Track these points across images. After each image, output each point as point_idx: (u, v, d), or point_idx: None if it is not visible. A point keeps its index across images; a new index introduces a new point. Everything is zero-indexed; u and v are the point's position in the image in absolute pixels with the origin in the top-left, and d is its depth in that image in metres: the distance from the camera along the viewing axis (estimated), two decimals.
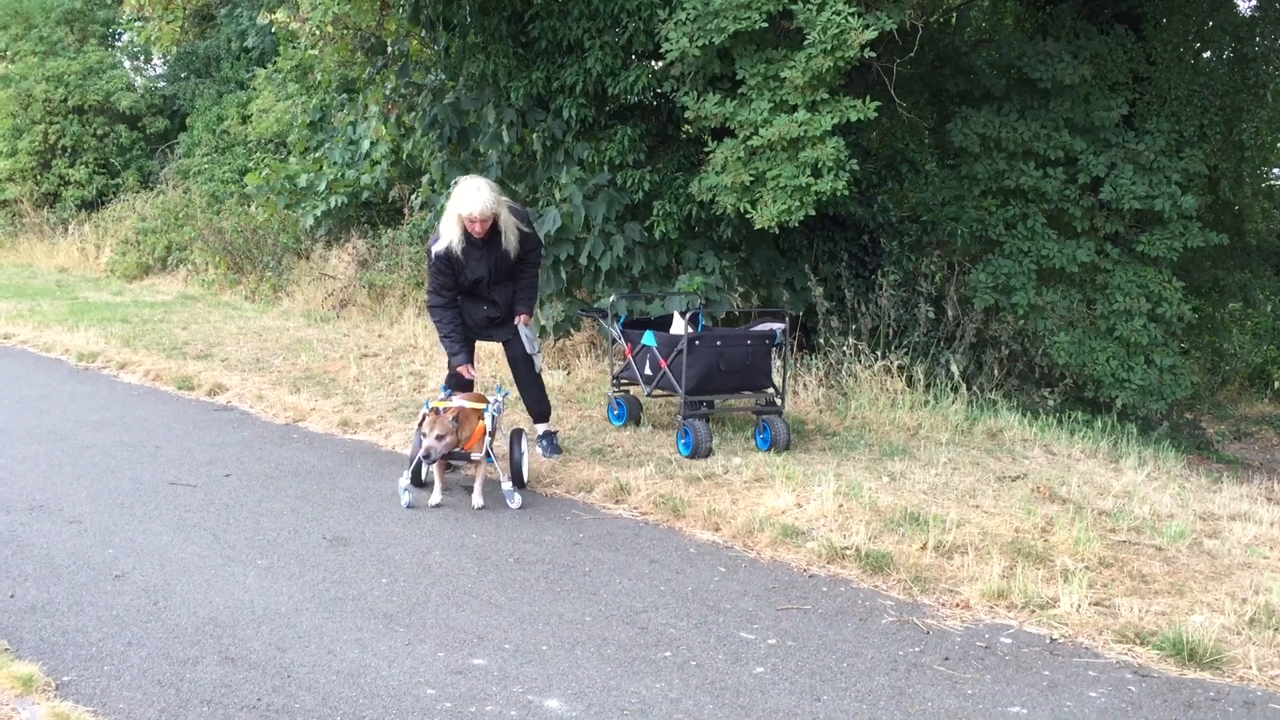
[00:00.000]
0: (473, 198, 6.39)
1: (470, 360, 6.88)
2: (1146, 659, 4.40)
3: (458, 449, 6.12)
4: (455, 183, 6.81)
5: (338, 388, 9.19)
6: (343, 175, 14.74)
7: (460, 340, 6.72)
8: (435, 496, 6.28)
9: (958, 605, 4.93)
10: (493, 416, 6.29)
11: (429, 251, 6.70)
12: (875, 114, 7.95)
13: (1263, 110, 11.51)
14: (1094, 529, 5.67)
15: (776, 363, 7.71)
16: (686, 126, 8.80)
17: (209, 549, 5.44)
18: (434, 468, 6.29)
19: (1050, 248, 10.42)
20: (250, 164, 17.58)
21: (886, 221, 10.53)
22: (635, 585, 5.09)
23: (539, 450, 7.14)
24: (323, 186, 14.76)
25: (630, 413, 7.97)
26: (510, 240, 6.61)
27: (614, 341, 7.95)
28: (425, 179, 11.83)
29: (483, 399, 6.44)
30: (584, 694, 3.97)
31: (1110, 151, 10.53)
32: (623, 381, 7.99)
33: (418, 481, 6.45)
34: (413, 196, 13.42)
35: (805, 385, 8.79)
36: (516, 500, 6.25)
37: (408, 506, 6.15)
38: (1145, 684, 4.19)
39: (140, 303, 14.46)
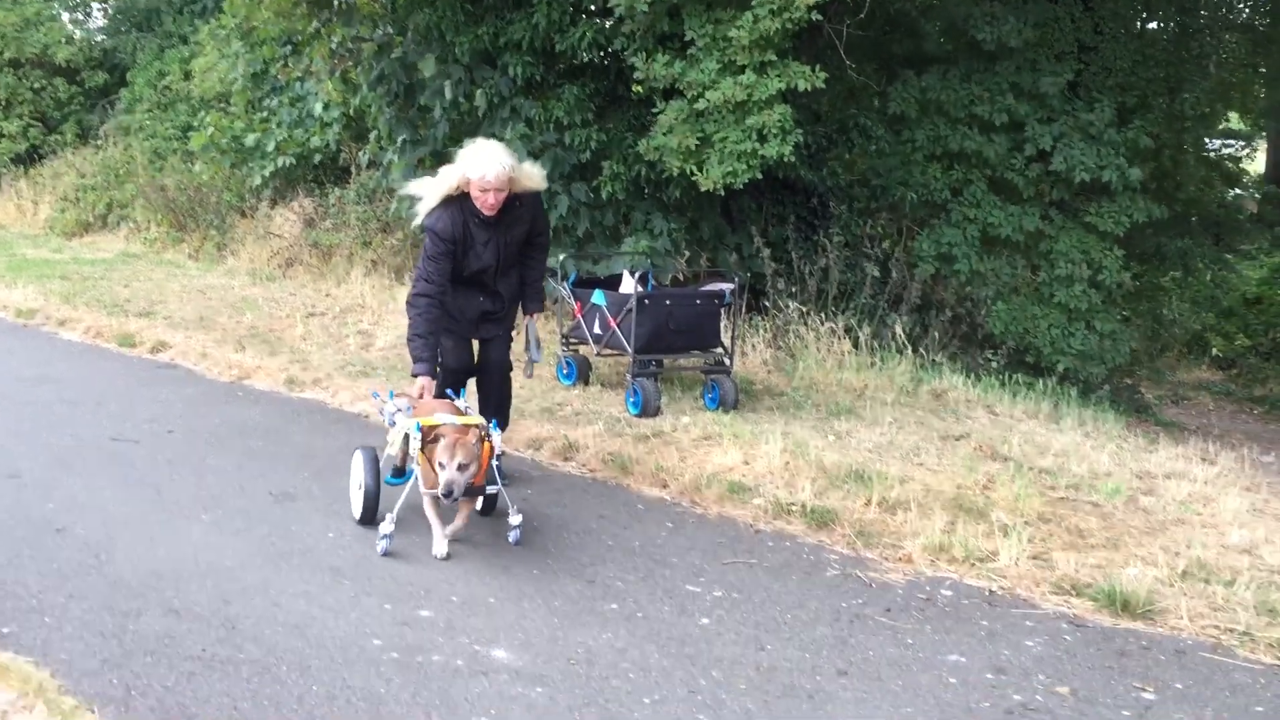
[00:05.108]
0: (486, 159, 5.25)
1: (442, 369, 5.63)
2: (1082, 609, 4.51)
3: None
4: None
5: (284, 346, 9.09)
6: (290, 135, 14.52)
7: (433, 348, 5.39)
8: (440, 546, 4.83)
9: (900, 559, 5.01)
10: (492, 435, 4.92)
11: (429, 230, 5.40)
12: (823, 84, 7.97)
13: (1204, 81, 11.67)
14: (1033, 486, 5.78)
15: (725, 323, 7.74)
16: (636, 87, 8.76)
17: (152, 504, 5.39)
18: (428, 510, 4.91)
19: (996, 215, 10.52)
20: (194, 122, 17.26)
21: (836, 185, 10.58)
22: (582, 540, 5.12)
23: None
24: (271, 147, 14.53)
25: (579, 372, 7.98)
26: (526, 216, 5.57)
27: (559, 301, 7.93)
28: (373, 136, 11.68)
29: (458, 410, 5.12)
30: (530, 644, 3.99)
31: (1059, 122, 10.63)
32: (572, 341, 7.98)
33: (369, 519, 5.07)
34: (360, 155, 13.25)
35: (753, 346, 8.83)
36: (517, 536, 5.02)
37: (384, 554, 4.80)
38: (1080, 633, 4.29)
39: (80, 260, 14.18)
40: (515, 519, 5.00)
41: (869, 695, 3.71)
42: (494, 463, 4.90)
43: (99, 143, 19.29)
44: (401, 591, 4.43)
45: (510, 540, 4.96)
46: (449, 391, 5.48)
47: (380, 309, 10.53)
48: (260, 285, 12.30)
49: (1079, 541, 5.14)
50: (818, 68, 8.00)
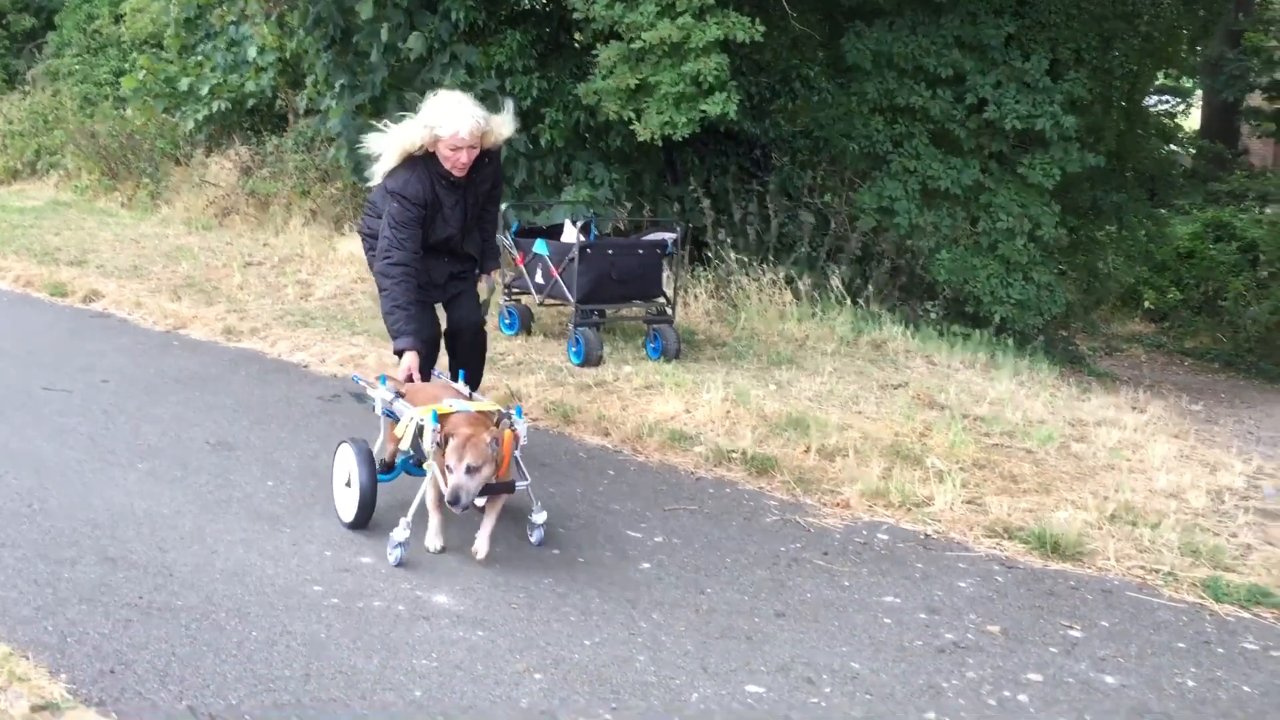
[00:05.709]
0: (458, 114, 4.64)
1: (430, 345, 5.03)
2: (1014, 552, 4.61)
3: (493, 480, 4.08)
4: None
5: (220, 295, 8.97)
6: (225, 80, 14.21)
7: (417, 319, 4.77)
8: (435, 540, 4.33)
9: (838, 505, 5.08)
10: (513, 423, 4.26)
11: (395, 194, 4.75)
12: (762, 38, 7.94)
13: (1134, 39, 11.76)
14: (969, 433, 5.87)
15: (667, 273, 7.75)
16: (578, 35, 8.68)
17: (86, 454, 5.31)
18: (431, 502, 4.31)
19: (936, 168, 10.58)
20: (126, 65, 16.85)
21: (778, 136, 10.57)
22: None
23: None
24: (205, 91, 14.22)
25: (521, 321, 7.96)
26: (490, 173, 5.03)
27: (502, 250, 7.89)
28: (310, 81, 11.46)
29: (462, 394, 4.57)
30: (472, 589, 4.01)
31: (997, 71, 10.68)
32: (514, 290, 7.95)
33: (364, 522, 4.49)
34: (298, 101, 13.02)
35: (696, 297, 8.85)
36: (540, 536, 4.51)
37: (398, 564, 4.17)
38: (1011, 574, 4.40)
39: (8, 208, 13.83)
40: (539, 516, 4.45)
41: (805, 635, 3.78)
42: (516, 453, 4.24)
43: (26, 88, 18.77)
44: (342, 539, 4.42)
45: (533, 540, 4.47)
46: (438, 373, 4.99)
47: (319, 259, 10.40)
48: (196, 234, 12.09)
49: (1012, 486, 5.25)
50: (758, 20, 7.97)
